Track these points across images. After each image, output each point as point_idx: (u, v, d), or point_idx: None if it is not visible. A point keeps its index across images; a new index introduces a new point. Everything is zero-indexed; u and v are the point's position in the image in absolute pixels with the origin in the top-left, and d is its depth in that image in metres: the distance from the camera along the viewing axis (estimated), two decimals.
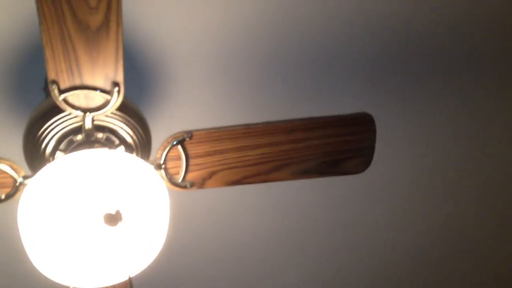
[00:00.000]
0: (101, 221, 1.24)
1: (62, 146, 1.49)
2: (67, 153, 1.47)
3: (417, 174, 2.22)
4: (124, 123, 1.50)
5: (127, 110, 1.50)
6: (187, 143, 1.49)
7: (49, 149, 1.49)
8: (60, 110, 1.41)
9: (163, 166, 1.49)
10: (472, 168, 2.25)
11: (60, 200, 1.25)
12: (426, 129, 2.11)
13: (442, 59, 1.95)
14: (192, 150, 1.50)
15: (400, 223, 2.38)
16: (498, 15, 1.89)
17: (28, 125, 1.50)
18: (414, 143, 2.14)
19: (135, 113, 1.53)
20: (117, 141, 1.52)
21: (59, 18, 1.15)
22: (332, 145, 1.56)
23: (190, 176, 1.53)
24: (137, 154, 1.55)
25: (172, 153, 1.49)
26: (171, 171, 1.51)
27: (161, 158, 1.48)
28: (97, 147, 1.46)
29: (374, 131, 1.56)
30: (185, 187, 1.53)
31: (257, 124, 1.52)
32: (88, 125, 1.40)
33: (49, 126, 1.46)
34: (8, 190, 1.42)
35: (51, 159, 1.49)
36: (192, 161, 1.51)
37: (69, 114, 1.43)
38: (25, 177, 1.40)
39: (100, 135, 1.48)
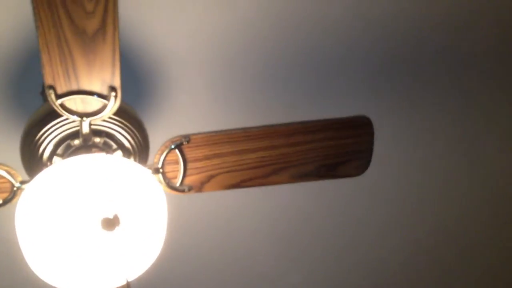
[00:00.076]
0: (99, 225, 1.24)
1: (59, 151, 1.49)
2: (65, 158, 1.47)
3: (415, 176, 2.22)
4: (121, 127, 1.50)
5: (124, 114, 1.50)
6: (185, 147, 1.49)
7: (46, 154, 1.49)
8: (58, 115, 1.41)
9: (161, 170, 1.49)
10: (471, 169, 2.25)
11: (57, 205, 1.25)
12: (424, 131, 2.11)
13: (442, 62, 1.95)
14: (190, 154, 1.50)
15: (400, 224, 2.38)
16: (500, 16, 1.89)
17: (25, 130, 1.50)
18: (412, 145, 2.13)
19: (132, 117, 1.53)
20: (114, 146, 1.52)
21: (56, 23, 1.15)
22: (331, 148, 1.56)
23: (188, 180, 1.53)
24: (134, 159, 1.55)
25: (170, 157, 1.49)
26: (169, 175, 1.51)
27: (159, 162, 1.48)
28: (94, 152, 1.46)
29: (372, 134, 1.57)
30: (183, 191, 1.53)
31: (255, 127, 1.52)
32: (85, 129, 1.40)
33: (46, 131, 1.46)
34: (5, 195, 1.42)
35: (48, 164, 1.49)
36: (190, 165, 1.51)
37: (66, 119, 1.43)
38: (22, 182, 1.41)
39: (97, 139, 1.48)
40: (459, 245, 2.50)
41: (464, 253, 2.54)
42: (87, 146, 1.46)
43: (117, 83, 1.28)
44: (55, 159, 1.49)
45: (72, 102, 1.32)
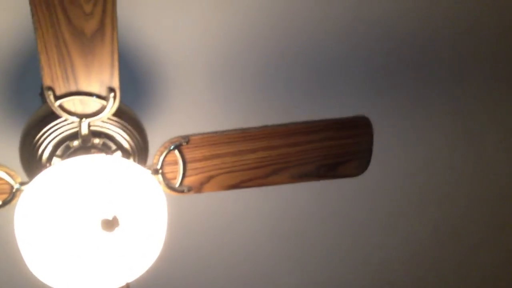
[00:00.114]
0: (98, 226, 1.24)
1: (58, 152, 1.49)
2: (64, 159, 1.47)
3: (416, 175, 2.22)
4: (120, 128, 1.50)
5: (123, 115, 1.50)
6: (184, 147, 1.49)
7: (45, 155, 1.49)
8: (57, 116, 1.41)
9: (160, 171, 1.49)
10: (472, 169, 2.25)
11: (57, 206, 1.25)
12: (424, 131, 2.11)
13: (439, 62, 1.95)
14: (189, 155, 1.50)
15: (401, 224, 2.38)
16: (500, 16, 1.89)
17: (24, 131, 1.50)
18: (412, 145, 2.13)
19: (131, 118, 1.53)
20: (113, 147, 1.52)
21: (54, 24, 1.15)
22: (330, 148, 1.56)
23: (188, 180, 1.53)
24: (134, 159, 1.55)
25: (169, 158, 1.49)
26: (169, 176, 1.51)
27: (158, 163, 1.48)
28: (93, 153, 1.46)
29: (371, 134, 1.57)
30: (182, 191, 1.53)
31: (254, 128, 1.52)
32: (84, 131, 1.40)
33: (45, 132, 1.46)
34: (5, 196, 1.42)
35: (47, 165, 1.49)
36: (189, 166, 1.51)
37: (65, 120, 1.43)
38: (21, 183, 1.40)
39: (96, 140, 1.48)
40: (461, 245, 2.50)
41: (465, 253, 2.54)
42: (86, 147, 1.46)
43: (115, 84, 1.28)
44: (54, 160, 1.49)
45: (71, 103, 1.32)
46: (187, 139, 1.48)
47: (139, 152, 1.55)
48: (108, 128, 1.49)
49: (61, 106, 1.32)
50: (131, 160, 1.55)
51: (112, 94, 1.30)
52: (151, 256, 1.37)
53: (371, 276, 2.56)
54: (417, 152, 2.16)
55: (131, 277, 1.37)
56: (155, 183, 1.39)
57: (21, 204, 1.31)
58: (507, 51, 1.98)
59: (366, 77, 1.93)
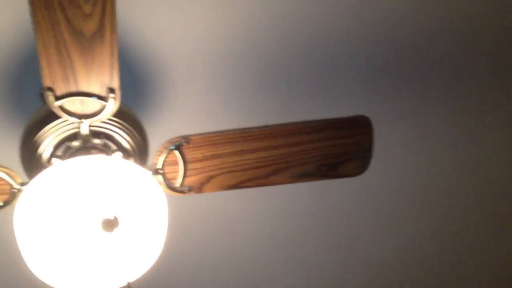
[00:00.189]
0: (99, 227, 1.24)
1: (59, 152, 1.49)
2: (64, 159, 1.47)
3: (416, 175, 2.22)
4: (120, 128, 1.50)
5: (123, 115, 1.50)
6: (185, 148, 1.49)
7: (45, 156, 1.49)
8: (57, 117, 1.41)
9: (160, 171, 1.49)
10: (470, 170, 2.25)
11: (57, 206, 1.25)
12: (423, 132, 2.10)
13: (439, 62, 1.95)
14: (189, 155, 1.50)
15: (401, 224, 2.37)
16: (495, 17, 1.89)
17: (24, 132, 1.50)
18: (413, 145, 2.13)
19: (131, 118, 1.53)
20: (114, 147, 1.52)
21: (54, 25, 1.15)
22: (331, 148, 1.56)
23: (188, 180, 1.53)
24: (134, 160, 1.55)
25: (169, 158, 1.49)
26: (169, 176, 1.51)
27: (158, 163, 1.49)
28: (94, 153, 1.46)
29: (371, 134, 1.56)
30: (183, 192, 1.53)
31: (254, 128, 1.52)
32: (84, 131, 1.40)
33: (45, 132, 1.47)
34: (5, 197, 1.42)
35: (48, 165, 1.49)
36: (189, 166, 1.51)
37: (65, 121, 1.43)
38: (22, 184, 1.41)
39: (97, 141, 1.48)
40: (461, 245, 2.50)
41: (465, 252, 2.53)
42: (86, 147, 1.46)
43: (115, 84, 1.28)
44: (55, 160, 1.49)
45: (71, 103, 1.32)
46: (187, 139, 1.48)
47: (139, 152, 1.55)
48: (108, 129, 1.49)
49: (61, 107, 1.32)
50: (131, 160, 1.55)
51: (112, 95, 1.30)
52: (151, 256, 1.38)
53: (371, 276, 2.55)
54: (418, 152, 2.15)
55: (132, 277, 1.37)
56: (156, 184, 1.39)
57: (21, 205, 1.31)
58: (507, 51, 1.97)
59: (367, 77, 1.93)
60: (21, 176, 1.45)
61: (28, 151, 1.49)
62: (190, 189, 1.54)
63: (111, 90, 1.29)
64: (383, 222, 2.35)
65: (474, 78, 2.01)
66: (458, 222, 2.41)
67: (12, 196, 1.41)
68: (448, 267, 2.57)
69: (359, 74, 1.92)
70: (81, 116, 1.35)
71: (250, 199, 2.15)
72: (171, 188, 1.51)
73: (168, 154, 1.48)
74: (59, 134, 1.47)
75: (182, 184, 1.52)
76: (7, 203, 1.42)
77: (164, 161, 1.48)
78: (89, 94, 1.30)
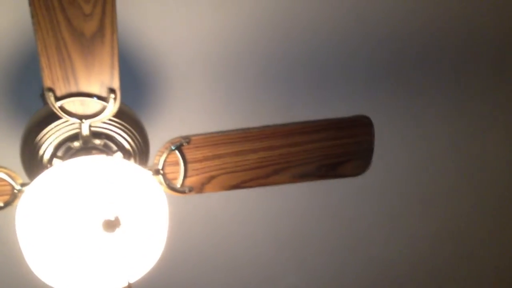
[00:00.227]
0: (100, 227, 1.24)
1: (59, 153, 1.49)
2: (65, 160, 1.47)
3: (416, 175, 2.22)
4: (121, 129, 1.50)
5: (124, 116, 1.50)
6: (185, 148, 1.49)
7: (46, 156, 1.49)
8: (57, 117, 1.41)
9: (161, 171, 1.49)
10: (470, 170, 2.25)
11: (58, 207, 1.25)
12: (424, 132, 2.10)
13: (440, 62, 1.95)
14: (190, 155, 1.50)
15: (401, 224, 2.37)
16: (495, 18, 1.89)
17: (25, 132, 1.50)
18: (413, 144, 2.13)
19: (132, 119, 1.53)
20: (114, 147, 1.52)
21: (54, 26, 1.15)
22: (331, 148, 1.56)
23: (189, 181, 1.53)
24: (135, 160, 1.55)
25: (170, 159, 1.49)
26: (170, 176, 1.51)
27: (159, 164, 1.48)
28: (94, 154, 1.46)
29: (372, 134, 1.56)
30: (183, 192, 1.53)
31: (255, 128, 1.52)
32: (85, 132, 1.40)
33: (46, 133, 1.47)
34: (6, 197, 1.42)
35: (48, 166, 1.49)
36: (190, 166, 1.51)
37: (66, 121, 1.43)
38: (22, 185, 1.41)
39: (97, 141, 1.48)
40: (461, 245, 2.50)
41: (465, 252, 2.53)
42: (87, 148, 1.46)
43: (116, 85, 1.28)
44: (55, 161, 1.49)
45: (72, 104, 1.32)
46: (188, 139, 1.48)
47: (140, 152, 1.55)
48: (109, 129, 1.49)
49: (61, 107, 1.32)
50: (132, 161, 1.55)
51: (112, 95, 1.30)
52: (152, 257, 1.38)
53: (373, 276, 2.55)
54: (418, 152, 2.15)
55: (133, 278, 1.37)
56: (156, 184, 1.39)
57: (22, 205, 1.31)
58: (507, 51, 1.97)
59: (367, 77, 1.93)
60: (22, 176, 1.45)
61: (28, 152, 1.49)
62: (191, 190, 1.53)
63: (112, 91, 1.29)
64: (384, 222, 2.35)
65: (475, 78, 2.01)
66: (459, 222, 2.41)
67: (13, 197, 1.41)
68: (451, 266, 2.57)
69: (360, 74, 1.92)
70: (81, 117, 1.35)
71: (251, 199, 2.15)
72: (172, 188, 1.51)
73: (168, 154, 1.48)
74: (59, 135, 1.47)
75: (182, 185, 1.52)
76: (8, 204, 1.42)
77: (165, 161, 1.48)
78: (89, 94, 1.30)
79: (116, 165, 1.33)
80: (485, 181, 2.30)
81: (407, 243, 2.44)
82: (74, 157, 1.45)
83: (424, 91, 2.00)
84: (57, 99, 1.29)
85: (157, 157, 1.48)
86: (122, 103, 1.34)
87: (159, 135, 1.69)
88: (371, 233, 2.37)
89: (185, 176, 1.51)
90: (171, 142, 1.48)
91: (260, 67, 1.84)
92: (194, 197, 1.83)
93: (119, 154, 1.52)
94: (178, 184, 1.51)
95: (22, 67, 1.71)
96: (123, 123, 1.50)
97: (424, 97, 2.01)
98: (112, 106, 1.32)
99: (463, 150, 2.18)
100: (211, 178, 1.54)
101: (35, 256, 1.29)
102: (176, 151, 1.48)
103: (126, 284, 1.36)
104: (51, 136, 1.47)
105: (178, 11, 1.70)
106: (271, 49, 1.81)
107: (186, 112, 1.89)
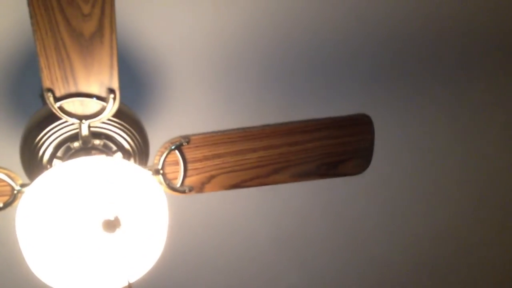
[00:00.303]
0: (100, 227, 1.24)
1: (59, 153, 1.49)
2: (65, 160, 1.48)
3: (416, 174, 2.22)
4: (121, 129, 1.50)
5: (123, 116, 1.50)
6: (185, 148, 1.49)
7: (46, 157, 1.49)
8: (57, 118, 1.41)
9: (161, 171, 1.49)
10: (471, 169, 2.25)
11: (58, 208, 1.25)
12: (424, 130, 2.10)
13: (440, 60, 1.95)
14: (190, 155, 1.50)
15: (402, 223, 2.37)
16: (497, 15, 1.89)
17: (25, 133, 1.50)
18: (413, 143, 2.13)
19: (131, 119, 1.53)
20: (114, 148, 1.52)
21: (53, 26, 1.15)
22: (331, 147, 1.56)
23: (189, 180, 1.53)
24: (134, 160, 1.55)
25: (170, 158, 1.49)
26: (170, 176, 1.51)
27: (159, 164, 1.48)
28: (94, 154, 1.46)
29: (372, 132, 1.56)
30: (183, 191, 1.53)
31: (255, 127, 1.52)
32: (84, 132, 1.40)
33: (46, 133, 1.46)
34: (6, 198, 1.42)
35: (48, 166, 1.49)
36: (190, 166, 1.51)
37: (65, 122, 1.43)
38: (22, 185, 1.41)
39: (97, 141, 1.48)
40: (460, 244, 2.50)
41: (464, 251, 2.53)
42: (86, 148, 1.46)
43: (115, 85, 1.28)
44: (55, 161, 1.49)
45: (71, 104, 1.32)
46: (187, 139, 1.48)
47: (140, 152, 1.55)
48: (109, 129, 1.49)
49: (61, 108, 1.32)
50: (132, 161, 1.55)
51: (112, 95, 1.30)
52: (152, 257, 1.38)
53: (375, 276, 2.55)
54: (418, 150, 2.15)
55: (133, 278, 1.37)
56: (156, 184, 1.39)
57: (22, 206, 1.31)
58: (507, 51, 1.97)
59: (367, 76, 1.93)
60: (22, 177, 1.45)
61: (28, 152, 1.49)
62: (191, 189, 1.53)
63: (111, 91, 1.29)
64: (384, 221, 2.35)
65: (475, 77, 2.00)
66: (461, 220, 2.41)
67: (13, 197, 1.41)
68: (452, 266, 2.57)
69: (360, 73, 1.92)
70: (81, 117, 1.35)
71: (251, 198, 2.15)
72: (172, 188, 1.51)
73: (168, 154, 1.48)
74: (59, 135, 1.47)
75: (182, 184, 1.52)
76: (8, 204, 1.42)
77: (165, 161, 1.48)
78: (89, 95, 1.30)
79: (116, 165, 1.33)
80: (487, 179, 2.30)
81: (408, 242, 2.44)
82: (74, 158, 1.45)
83: (424, 90, 2.00)
84: (57, 99, 1.29)
85: (157, 157, 1.48)
86: (121, 103, 1.34)
87: (159, 135, 1.69)
88: (372, 232, 2.37)
89: (185, 176, 1.51)
90: (171, 141, 1.48)
91: (260, 66, 1.84)
92: (194, 197, 1.83)
93: (118, 154, 1.52)
94: (178, 183, 1.51)
95: (22, 67, 1.71)
96: (122, 123, 1.50)
97: (424, 95, 2.01)
98: (112, 106, 1.32)
99: (464, 148, 2.18)
100: (211, 177, 1.54)
101: (35, 256, 1.29)
102: (176, 151, 1.48)
103: (126, 284, 1.36)
104: (51, 137, 1.47)
105: (178, 10, 1.69)
106: (270, 48, 1.81)
107: (185, 112, 1.88)
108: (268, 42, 1.80)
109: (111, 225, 1.24)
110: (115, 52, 1.21)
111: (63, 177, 1.29)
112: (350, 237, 2.37)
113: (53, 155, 1.49)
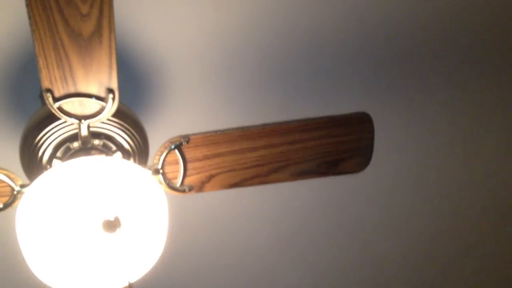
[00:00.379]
0: (100, 228, 1.24)
1: (59, 153, 1.49)
2: (64, 160, 1.48)
3: (416, 172, 2.22)
4: (120, 129, 1.50)
5: (123, 116, 1.50)
6: (185, 147, 1.49)
7: (46, 157, 1.49)
8: (56, 118, 1.40)
9: (161, 171, 1.49)
10: (471, 167, 2.25)
11: (58, 208, 1.25)
12: (424, 129, 2.10)
13: (441, 59, 1.94)
14: (189, 154, 1.50)
15: (402, 222, 2.37)
16: (497, 15, 1.88)
17: (24, 133, 1.50)
18: (413, 142, 2.13)
19: (131, 118, 1.53)
20: (114, 147, 1.52)
21: (51, 27, 1.15)
22: (331, 145, 1.56)
23: (189, 180, 1.53)
24: (134, 160, 1.55)
25: (169, 158, 1.49)
26: (169, 175, 1.51)
27: (158, 163, 1.48)
28: (94, 154, 1.46)
29: (372, 131, 1.56)
30: (183, 191, 1.53)
31: (254, 126, 1.52)
32: (84, 132, 1.40)
33: (45, 134, 1.46)
34: (6, 199, 1.42)
35: (48, 167, 1.49)
36: (190, 165, 1.51)
37: (64, 122, 1.43)
38: (22, 186, 1.41)
39: (96, 141, 1.48)
40: (460, 243, 2.50)
41: (463, 251, 2.53)
42: (86, 148, 1.46)
43: (114, 85, 1.28)
44: (55, 162, 1.49)
45: (70, 105, 1.32)
46: (187, 138, 1.48)
47: (140, 152, 1.55)
48: (108, 129, 1.49)
49: (60, 108, 1.31)
50: (132, 160, 1.55)
51: (111, 95, 1.30)
52: (153, 256, 1.38)
53: (373, 274, 2.55)
54: (419, 149, 2.15)
55: (134, 277, 1.37)
56: (156, 183, 1.39)
57: (22, 206, 1.31)
58: (506, 50, 1.97)
59: (367, 74, 1.93)
60: (22, 177, 1.45)
61: (28, 153, 1.49)
62: (191, 189, 1.53)
63: (110, 91, 1.29)
64: (384, 220, 2.35)
65: (476, 76, 2.00)
66: (457, 220, 2.41)
67: (12, 198, 1.41)
68: (452, 264, 2.57)
69: (360, 72, 1.91)
70: (80, 117, 1.35)
71: (251, 198, 2.15)
72: (172, 187, 1.51)
73: (168, 153, 1.48)
74: (58, 136, 1.47)
75: (182, 184, 1.52)
76: (7, 205, 1.42)
77: (164, 160, 1.48)
78: (88, 95, 1.29)
79: (115, 165, 1.33)
80: (487, 178, 2.30)
81: (408, 241, 2.44)
82: (73, 158, 1.45)
83: (425, 88, 2.00)
84: (56, 99, 1.29)
85: (157, 157, 1.48)
86: (120, 103, 1.34)
87: (159, 135, 1.69)
88: (372, 231, 2.37)
89: (184, 175, 1.51)
90: (171, 141, 1.48)
91: (259, 65, 1.84)
92: (194, 196, 1.83)
93: (118, 154, 1.52)
94: (178, 183, 1.51)
95: (21, 68, 1.71)
96: (122, 123, 1.50)
97: (424, 93, 2.01)
98: (111, 106, 1.32)
99: (465, 146, 2.18)
100: (211, 176, 1.54)
101: (35, 256, 1.29)
102: (176, 150, 1.48)
103: (127, 284, 1.36)
104: (50, 137, 1.47)
105: (177, 10, 1.69)
106: (270, 46, 1.81)
107: (185, 111, 1.88)
108: (268, 42, 1.80)
109: (111, 225, 1.24)
110: (113, 52, 1.21)
111: (63, 177, 1.29)
112: (350, 236, 2.37)
113: (52, 155, 1.49)
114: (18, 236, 1.31)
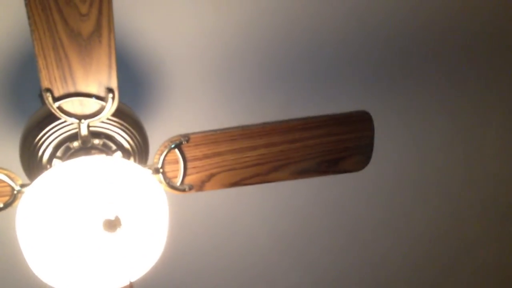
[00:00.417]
0: (100, 227, 1.24)
1: (59, 153, 1.49)
2: (64, 160, 1.48)
3: (416, 171, 2.22)
4: (120, 128, 1.50)
5: (122, 115, 1.50)
6: (185, 146, 1.49)
7: (46, 157, 1.49)
8: (56, 118, 1.41)
9: (161, 170, 1.49)
10: (471, 167, 2.25)
11: (58, 208, 1.25)
12: (425, 127, 2.10)
13: (441, 58, 1.95)
14: (189, 153, 1.50)
15: (401, 221, 2.37)
16: (497, 15, 1.89)
17: (24, 133, 1.50)
18: (413, 141, 2.13)
19: (131, 118, 1.53)
20: (114, 147, 1.52)
21: (51, 27, 1.15)
22: (331, 144, 1.56)
23: (189, 179, 1.53)
24: (134, 159, 1.55)
25: (169, 157, 1.49)
26: (170, 175, 1.51)
27: (158, 162, 1.48)
28: (94, 154, 1.46)
29: (372, 129, 1.56)
30: (184, 190, 1.53)
31: (254, 125, 1.52)
32: (83, 132, 1.40)
33: (45, 133, 1.46)
34: (6, 198, 1.42)
35: (48, 166, 1.49)
36: (190, 164, 1.51)
37: (64, 121, 1.43)
38: (22, 185, 1.41)
39: (96, 141, 1.48)
40: (460, 243, 2.50)
41: (463, 251, 2.53)
42: (86, 148, 1.46)
43: (114, 84, 1.28)
44: (55, 161, 1.49)
45: (70, 104, 1.32)
46: (187, 137, 1.48)
47: (140, 151, 1.55)
48: (108, 129, 1.49)
49: (60, 108, 1.31)
50: (132, 160, 1.55)
51: (110, 95, 1.30)
52: (153, 255, 1.38)
53: (374, 274, 2.55)
54: (419, 148, 2.15)
55: (134, 277, 1.37)
56: (156, 183, 1.39)
57: (22, 206, 1.31)
58: (508, 50, 1.97)
59: (367, 73, 1.93)
60: (22, 177, 1.45)
61: (28, 153, 1.49)
62: (191, 188, 1.54)
63: (110, 90, 1.29)
64: (384, 219, 2.35)
65: (476, 75, 2.00)
66: (457, 219, 2.41)
67: (13, 197, 1.41)
68: (452, 264, 2.57)
69: (360, 71, 1.91)
70: (80, 117, 1.35)
71: (251, 197, 2.15)
72: (172, 186, 1.51)
73: (168, 152, 1.48)
74: (58, 135, 1.47)
75: (182, 183, 1.52)
76: (8, 205, 1.42)
77: (164, 160, 1.48)
78: (87, 94, 1.30)
79: (115, 164, 1.33)
80: (487, 177, 2.30)
81: (408, 240, 2.44)
82: (73, 157, 1.45)
83: (425, 87, 2.00)
84: (55, 99, 1.29)
85: (157, 156, 1.48)
86: (120, 102, 1.34)
87: (158, 134, 1.69)
88: (373, 230, 2.37)
89: (185, 174, 1.51)
90: (171, 140, 1.48)
91: (259, 64, 1.84)
92: (194, 195, 1.83)
93: (118, 154, 1.52)
94: (178, 182, 1.52)
95: (21, 68, 1.71)
96: (122, 122, 1.50)
97: (424, 93, 2.01)
98: (111, 106, 1.32)
99: (465, 145, 2.18)
100: (211, 176, 1.54)
101: (35, 256, 1.29)
102: (176, 150, 1.48)
103: (128, 283, 1.36)
104: (50, 137, 1.47)
105: (177, 9, 1.69)
106: (270, 45, 1.81)
107: (185, 110, 1.88)
108: (268, 42, 1.80)
109: (112, 224, 1.24)
110: (113, 51, 1.21)
111: (63, 177, 1.29)
112: (350, 236, 2.37)
113: (52, 155, 1.49)
114: (18, 236, 1.31)
